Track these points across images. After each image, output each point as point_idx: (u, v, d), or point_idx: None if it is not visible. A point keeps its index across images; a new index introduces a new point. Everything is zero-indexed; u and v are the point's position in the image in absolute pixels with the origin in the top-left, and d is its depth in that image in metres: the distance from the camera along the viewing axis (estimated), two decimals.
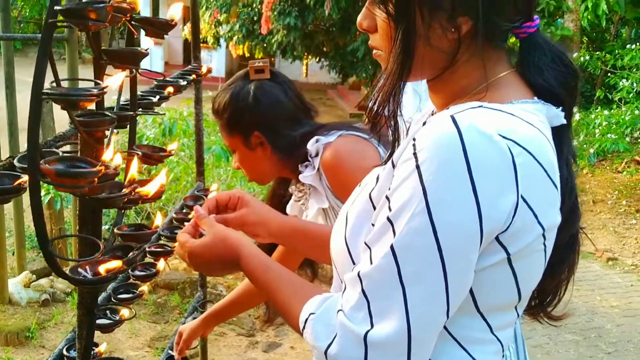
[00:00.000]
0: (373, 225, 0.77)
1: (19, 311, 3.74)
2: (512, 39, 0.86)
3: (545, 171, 0.73)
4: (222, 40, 12.95)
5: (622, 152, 6.95)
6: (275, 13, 10.62)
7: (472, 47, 0.79)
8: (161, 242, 1.55)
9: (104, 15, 0.80)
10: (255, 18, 11.50)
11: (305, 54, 12.63)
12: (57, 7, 0.77)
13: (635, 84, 7.28)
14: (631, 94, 7.35)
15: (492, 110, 0.74)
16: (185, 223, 1.55)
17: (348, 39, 11.21)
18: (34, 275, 3.98)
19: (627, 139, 6.93)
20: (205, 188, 1.97)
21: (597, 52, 8.43)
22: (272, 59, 18.70)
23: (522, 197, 0.70)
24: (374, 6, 0.84)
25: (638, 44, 7.65)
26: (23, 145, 3.91)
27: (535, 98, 0.81)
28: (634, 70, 7.30)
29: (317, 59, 13.50)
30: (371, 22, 0.86)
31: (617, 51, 8.28)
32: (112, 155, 0.94)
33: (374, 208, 0.80)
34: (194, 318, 2.03)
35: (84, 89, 0.81)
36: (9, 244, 4.06)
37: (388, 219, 0.73)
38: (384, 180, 0.81)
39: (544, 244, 0.76)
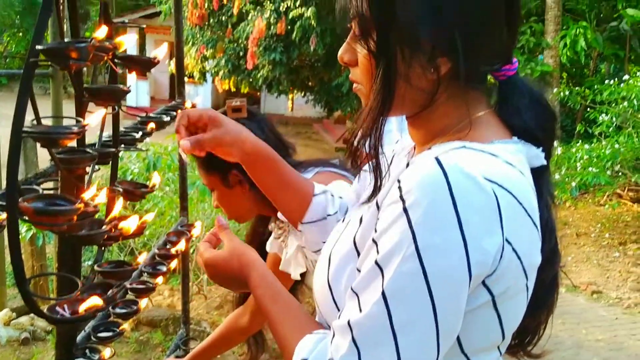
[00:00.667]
0: (359, 270, 0.76)
1: None
2: (492, 80, 0.87)
3: (527, 212, 0.74)
4: (208, 75, 13.02)
5: (604, 185, 7.04)
6: (260, 48, 10.73)
7: (451, 87, 0.80)
8: (143, 278, 1.53)
9: (86, 54, 0.81)
10: (241, 53, 11.60)
11: (291, 88, 12.73)
12: (38, 47, 0.78)
13: (614, 118, 7.41)
14: (611, 128, 7.48)
15: (475, 152, 0.75)
16: (166, 261, 1.54)
17: (333, 74, 11.33)
18: (14, 313, 3.91)
19: (608, 172, 7.02)
20: (189, 223, 1.96)
21: (577, 87, 8.60)
22: (258, 94, 18.87)
23: (506, 239, 0.70)
24: (355, 41, 0.84)
25: (616, 79, 7.82)
26: (4, 181, 3.87)
27: (515, 138, 0.82)
28: (613, 104, 7.45)
29: (303, 94, 13.61)
30: (352, 56, 0.87)
31: (596, 86, 8.45)
32: (92, 193, 0.94)
33: (358, 252, 0.80)
34: (177, 356, 1.99)
35: (64, 127, 0.81)
36: None
37: (377, 263, 0.72)
38: (368, 223, 0.80)
39: (527, 285, 0.76)
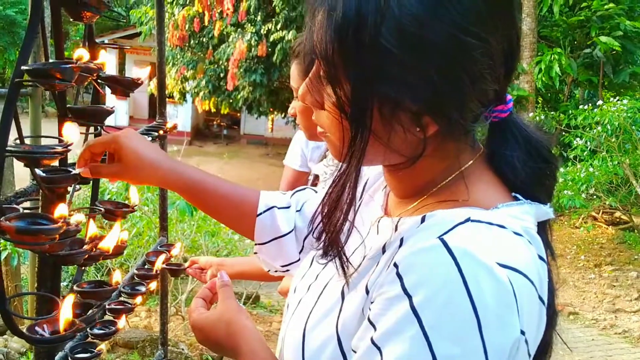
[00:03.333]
0: None
1: None
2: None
3: (537, 291, 0.65)
4: (188, 96, 13.03)
5: (579, 208, 7.16)
6: (241, 70, 10.79)
7: (434, 143, 0.70)
8: (121, 299, 1.52)
9: (70, 75, 0.82)
10: (221, 75, 11.64)
11: (271, 109, 12.78)
12: (24, 67, 0.79)
13: (588, 143, 7.57)
14: (585, 152, 7.63)
15: (483, 226, 0.64)
16: (145, 282, 1.53)
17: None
18: None
19: (583, 195, 7.16)
20: (169, 243, 1.96)
21: (552, 112, 8.80)
22: (238, 114, 18.88)
23: (521, 331, 0.62)
24: (322, 83, 0.70)
25: (590, 104, 8.00)
26: None
27: (518, 196, 0.72)
28: (587, 129, 7.60)
29: (283, 115, 13.67)
30: (317, 98, 0.72)
31: (570, 111, 8.65)
32: (72, 212, 0.95)
33: (340, 341, 0.71)
34: None
35: (48, 147, 0.82)
36: None
37: None
38: (355, 310, 0.71)
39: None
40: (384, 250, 0.72)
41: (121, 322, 1.39)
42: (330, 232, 0.72)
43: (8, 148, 0.77)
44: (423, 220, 0.69)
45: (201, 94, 11.97)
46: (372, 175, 0.92)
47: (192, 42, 11.68)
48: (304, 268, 0.92)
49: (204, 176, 0.98)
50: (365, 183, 0.92)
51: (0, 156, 0.77)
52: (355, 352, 0.67)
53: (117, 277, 1.19)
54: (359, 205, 0.86)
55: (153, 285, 1.56)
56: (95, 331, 1.34)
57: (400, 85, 0.64)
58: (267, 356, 0.80)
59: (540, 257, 0.68)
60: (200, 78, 11.93)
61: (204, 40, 11.57)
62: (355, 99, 0.66)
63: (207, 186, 0.97)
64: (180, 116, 16.51)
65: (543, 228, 0.74)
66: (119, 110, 17.27)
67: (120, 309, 1.45)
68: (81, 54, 0.87)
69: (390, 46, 0.62)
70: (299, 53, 1.59)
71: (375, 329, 0.63)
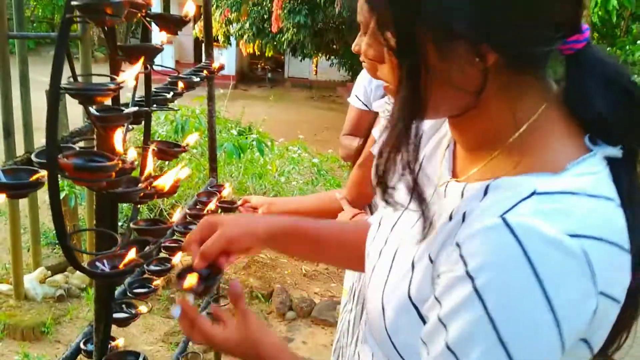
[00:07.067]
0: (423, 341, 0.66)
1: (34, 307, 3.78)
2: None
3: (617, 245, 0.61)
4: (232, 39, 12.97)
5: None
6: (285, 11, 10.63)
7: (499, 78, 0.65)
8: (175, 237, 1.56)
9: (120, 10, 0.81)
10: (265, 16, 11.52)
11: (315, 51, 12.63)
12: (74, 3, 0.79)
13: None
14: None
15: (550, 198, 0.60)
16: (197, 221, 1.56)
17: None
18: (49, 272, 4.03)
19: None
20: (219, 184, 1.98)
21: (609, 48, 8.38)
22: (282, 57, 18.74)
23: (601, 293, 0.59)
24: (379, 34, 0.67)
25: None
26: (38, 144, 3.93)
27: (588, 144, 0.66)
28: None
29: (327, 57, 13.49)
30: (377, 52, 0.72)
31: (628, 47, 8.22)
32: (127, 149, 0.95)
33: (415, 307, 0.71)
34: (208, 313, 2.03)
35: (101, 84, 0.82)
36: (24, 241, 4.10)
37: (449, 348, 0.61)
38: (422, 278, 0.70)
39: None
40: (450, 218, 0.69)
41: (176, 259, 1.44)
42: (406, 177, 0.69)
43: (62, 85, 0.78)
44: (486, 190, 0.65)
45: (245, 36, 11.90)
46: (427, 133, 0.88)
47: None
48: (373, 230, 0.91)
49: (302, 222, 1.01)
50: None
51: (55, 94, 0.77)
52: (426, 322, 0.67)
53: (176, 216, 1.22)
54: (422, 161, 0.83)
55: None
56: (152, 267, 1.38)
57: (449, 12, 0.60)
58: None
59: (621, 203, 0.64)
60: (244, 21, 11.83)
61: None
62: (403, 38, 0.63)
63: (306, 229, 1.01)
64: (224, 59, 16.47)
65: (620, 170, 0.67)
66: (165, 54, 17.35)
67: (175, 247, 1.49)
68: None
69: None
70: None
71: (441, 305, 0.62)
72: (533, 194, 0.60)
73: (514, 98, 0.67)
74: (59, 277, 4.02)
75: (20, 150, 3.66)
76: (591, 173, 0.63)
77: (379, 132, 1.73)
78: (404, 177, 0.68)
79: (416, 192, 0.70)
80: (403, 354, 0.74)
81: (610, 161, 0.66)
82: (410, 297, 0.71)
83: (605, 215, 0.61)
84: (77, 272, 4.13)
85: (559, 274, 0.56)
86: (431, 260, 0.68)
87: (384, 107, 1.71)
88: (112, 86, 0.80)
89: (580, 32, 0.66)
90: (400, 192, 0.73)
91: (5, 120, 3.48)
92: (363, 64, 1.66)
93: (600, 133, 0.66)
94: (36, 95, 3.94)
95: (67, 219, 4.10)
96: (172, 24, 1.12)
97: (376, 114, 2.25)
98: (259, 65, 20.26)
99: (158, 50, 1.01)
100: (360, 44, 1.62)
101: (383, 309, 0.76)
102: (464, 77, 0.64)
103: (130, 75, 0.87)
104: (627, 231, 0.63)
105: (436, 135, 0.86)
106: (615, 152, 0.66)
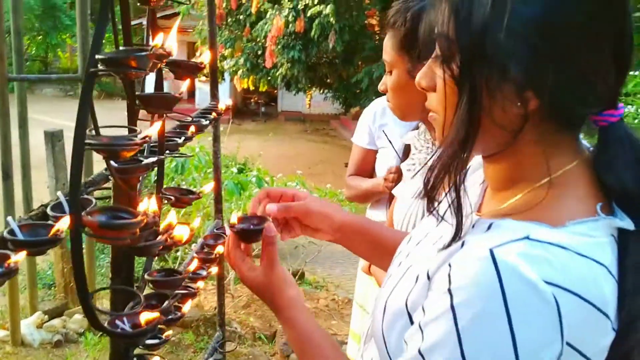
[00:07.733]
0: (406, 342, 0.72)
1: (31, 353, 3.68)
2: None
3: (594, 306, 0.64)
4: (226, 74, 13.05)
5: None
6: (279, 47, 10.73)
7: (539, 128, 0.71)
8: (185, 284, 1.52)
9: (146, 63, 0.79)
10: (259, 52, 11.61)
11: (309, 85, 12.72)
12: (98, 56, 0.77)
13: None
14: (636, 120, 7.35)
15: (539, 245, 0.65)
16: (206, 265, 1.52)
17: (351, 71, 11.31)
18: (46, 316, 3.94)
19: None
20: (224, 226, 1.95)
21: None
22: (275, 91, 18.85)
23: (567, 343, 0.63)
24: (436, 64, 0.76)
25: None
26: (35, 184, 3.91)
27: (599, 210, 0.70)
28: (639, 96, 7.32)
29: (321, 91, 13.59)
30: (430, 81, 0.79)
31: None
32: (147, 203, 0.93)
33: (409, 314, 0.77)
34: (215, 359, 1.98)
35: (126, 138, 0.79)
36: (19, 282, 4.03)
37: (420, 352, 0.67)
38: (420, 291, 0.75)
39: None
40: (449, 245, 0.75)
41: (186, 307, 1.39)
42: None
43: (87, 141, 0.75)
44: (490, 226, 0.72)
45: (239, 72, 11.97)
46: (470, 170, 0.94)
47: (229, 20, 11.67)
48: (404, 242, 0.97)
49: (366, 222, 1.15)
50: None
51: (80, 149, 0.74)
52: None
53: (192, 265, 1.18)
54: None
55: (214, 269, 1.56)
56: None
57: (506, 58, 0.66)
58: (307, 329, 0.93)
59: (621, 271, 0.67)
60: (238, 56, 11.93)
61: (242, 17, 11.53)
62: (465, 70, 0.69)
63: (370, 230, 1.14)
64: (219, 95, 16.55)
65: (628, 241, 0.69)
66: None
67: (186, 294, 1.45)
68: (157, 41, 0.84)
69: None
70: (394, 23, 1.49)
71: (424, 313, 0.69)
72: (525, 238, 0.65)
73: (550, 148, 0.72)
74: (56, 322, 3.92)
75: (18, 191, 3.62)
76: (589, 236, 0.67)
77: (400, 189, 1.72)
78: (449, 194, 0.75)
79: (456, 214, 0.75)
80: (392, 356, 0.80)
81: (622, 232, 0.69)
82: (406, 305, 0.77)
83: (588, 275, 0.65)
84: (75, 316, 4.05)
85: (528, 313, 0.61)
86: (428, 277, 0.73)
87: (413, 140, 1.70)
88: (137, 140, 0.78)
89: (616, 107, 0.71)
90: (442, 206, 0.79)
91: (4, 162, 3.44)
92: (387, 103, 1.66)
93: (622, 204, 0.71)
94: (35, 133, 3.92)
95: (64, 262, 4.04)
96: (188, 70, 1.11)
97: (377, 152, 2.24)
98: (252, 100, 20.38)
99: (176, 99, 0.99)
100: (386, 82, 1.62)
101: (384, 311, 0.82)
102: (504, 115, 0.69)
103: (154, 129, 0.85)
104: (614, 298, 0.66)
105: (480, 170, 0.91)
106: (626, 224, 0.69)
